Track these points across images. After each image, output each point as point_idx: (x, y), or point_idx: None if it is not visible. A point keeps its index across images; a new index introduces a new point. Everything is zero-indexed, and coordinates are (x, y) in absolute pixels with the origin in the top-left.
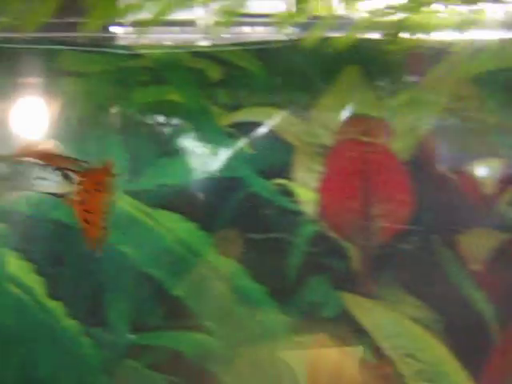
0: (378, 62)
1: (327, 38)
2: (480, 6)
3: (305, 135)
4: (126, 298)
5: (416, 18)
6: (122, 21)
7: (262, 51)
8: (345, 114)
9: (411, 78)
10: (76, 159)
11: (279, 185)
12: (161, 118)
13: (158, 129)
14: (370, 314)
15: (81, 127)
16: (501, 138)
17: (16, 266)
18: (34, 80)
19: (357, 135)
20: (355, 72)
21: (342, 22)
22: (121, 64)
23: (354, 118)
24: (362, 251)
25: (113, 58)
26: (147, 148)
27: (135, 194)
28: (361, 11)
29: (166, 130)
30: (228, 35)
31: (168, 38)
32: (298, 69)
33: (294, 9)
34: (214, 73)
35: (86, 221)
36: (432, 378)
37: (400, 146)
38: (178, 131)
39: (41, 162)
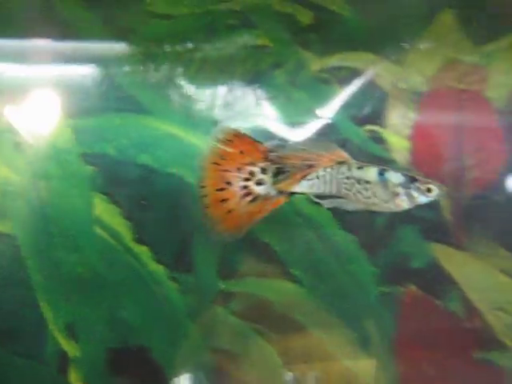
0: (475, 6)
1: None
2: None
3: (399, 81)
4: (214, 244)
5: None
6: None
7: None
8: (440, 59)
9: (510, 23)
10: None
11: (371, 131)
12: (250, 63)
13: (247, 75)
14: (461, 265)
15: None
16: None
17: (103, 209)
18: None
19: (452, 82)
20: (451, 16)
21: None
22: (210, 7)
23: (450, 64)
24: (453, 202)
25: (202, 0)
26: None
27: None
28: None
29: (256, 76)
30: None
31: None
32: (391, 13)
33: None
34: (305, 17)
35: None
36: None
37: (495, 93)
38: (269, 77)
39: None
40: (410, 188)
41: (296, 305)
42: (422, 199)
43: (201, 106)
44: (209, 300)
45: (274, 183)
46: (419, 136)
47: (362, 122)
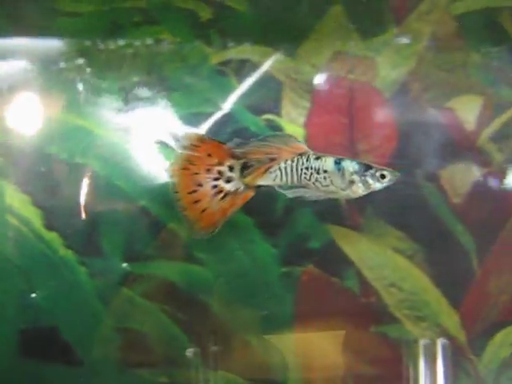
0: (362, 1)
1: None
2: None
3: (292, 72)
4: (120, 229)
5: None
6: None
7: None
8: (330, 51)
9: (395, 17)
10: None
11: (268, 120)
12: (154, 58)
13: (152, 67)
14: (356, 245)
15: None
16: (482, 75)
17: (14, 198)
18: (31, 21)
19: (342, 73)
20: (341, 10)
21: None
22: (115, 5)
23: (339, 56)
24: None
25: None
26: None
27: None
28: None
29: (160, 69)
30: None
31: None
32: (284, 7)
33: None
34: (205, 13)
35: None
36: (414, 307)
37: (384, 84)
38: (171, 70)
39: None
40: (365, 175)
41: (200, 286)
42: (377, 185)
43: (107, 99)
44: (117, 282)
45: (242, 178)
46: (313, 124)
47: (259, 111)
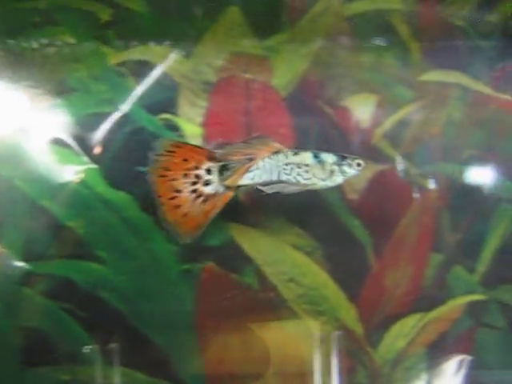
0: (258, 2)
1: None
2: None
3: (189, 72)
4: (19, 229)
5: None
6: None
7: None
8: (227, 52)
9: (290, 18)
10: None
11: (165, 120)
12: (54, 58)
13: (51, 68)
14: (255, 242)
15: None
16: (376, 75)
17: None
18: None
19: (239, 72)
20: (237, 11)
21: None
22: (16, 5)
23: (236, 56)
24: None
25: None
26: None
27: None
28: None
29: (58, 70)
30: None
31: None
32: (181, 9)
33: None
34: (104, 14)
35: None
36: (313, 301)
37: (280, 82)
38: (70, 70)
39: None
40: (343, 165)
41: (101, 284)
42: (353, 173)
43: (5, 99)
44: (17, 282)
45: (221, 181)
46: (210, 123)
47: (156, 111)
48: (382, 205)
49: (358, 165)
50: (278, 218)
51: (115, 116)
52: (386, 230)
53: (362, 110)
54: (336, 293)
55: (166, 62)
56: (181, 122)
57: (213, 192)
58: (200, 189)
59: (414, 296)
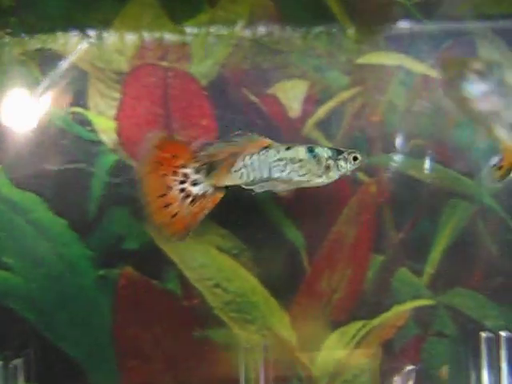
0: None
1: None
2: None
3: (99, 61)
4: None
5: None
6: None
7: None
8: (140, 38)
9: None
10: None
11: (75, 113)
12: None
13: None
14: (176, 245)
15: None
16: (305, 60)
17: None
18: None
19: (154, 60)
20: None
21: None
22: None
23: (151, 42)
24: None
25: None
26: None
27: None
28: None
29: None
30: None
31: None
32: None
33: None
34: (5, 0)
35: None
36: (241, 309)
37: (200, 70)
38: None
39: None
40: (339, 159)
41: (8, 293)
42: (349, 167)
43: None
44: None
45: (208, 180)
46: (124, 116)
47: (64, 104)
48: (315, 202)
49: (355, 159)
50: None
51: (19, 109)
52: (320, 229)
53: (291, 98)
54: (266, 299)
55: (73, 51)
56: (91, 115)
57: (201, 192)
58: (188, 188)
59: (354, 302)
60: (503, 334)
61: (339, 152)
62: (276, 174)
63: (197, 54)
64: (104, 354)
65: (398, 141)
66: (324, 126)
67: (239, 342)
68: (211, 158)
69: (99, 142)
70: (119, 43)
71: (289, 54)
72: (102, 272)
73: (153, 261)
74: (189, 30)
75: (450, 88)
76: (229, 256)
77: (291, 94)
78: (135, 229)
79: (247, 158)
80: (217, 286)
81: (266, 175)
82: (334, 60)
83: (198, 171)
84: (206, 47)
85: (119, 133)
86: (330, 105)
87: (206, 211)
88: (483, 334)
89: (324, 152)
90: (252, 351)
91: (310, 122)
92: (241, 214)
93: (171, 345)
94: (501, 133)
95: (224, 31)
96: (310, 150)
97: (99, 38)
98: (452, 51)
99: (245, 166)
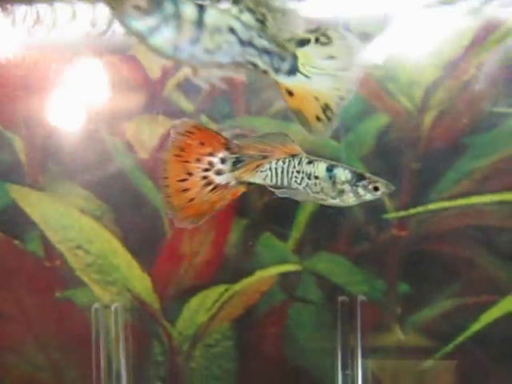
0: None
1: None
2: None
3: None
4: None
5: None
6: None
7: None
8: None
9: None
10: None
11: None
12: None
13: None
14: (38, 205)
15: None
16: None
17: None
18: None
19: None
20: None
21: None
22: None
23: None
24: (26, 142)
25: None
26: None
27: None
28: None
29: None
30: None
31: None
32: None
33: None
34: None
35: None
36: (103, 270)
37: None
38: None
39: None
40: (357, 186)
41: None
42: (369, 197)
43: None
44: None
45: (233, 172)
46: None
47: None
48: None
49: (375, 189)
50: (63, 179)
51: None
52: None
53: (151, 59)
54: (128, 261)
55: None
56: None
57: (223, 183)
58: (211, 177)
59: (217, 265)
60: (360, 298)
61: (361, 178)
62: (294, 185)
63: None
64: None
65: (265, 102)
66: (185, 87)
67: (100, 303)
68: (242, 150)
69: None
70: None
71: None
72: None
73: (15, 221)
74: None
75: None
76: (91, 218)
77: (151, 55)
78: None
79: (274, 162)
80: (79, 247)
81: (285, 184)
82: None
83: (223, 162)
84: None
85: None
86: None
87: (224, 202)
88: (341, 298)
89: (343, 174)
90: (112, 313)
91: (171, 83)
92: (102, 176)
93: (33, 306)
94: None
95: None
96: (329, 169)
97: None
98: None
99: (270, 170)
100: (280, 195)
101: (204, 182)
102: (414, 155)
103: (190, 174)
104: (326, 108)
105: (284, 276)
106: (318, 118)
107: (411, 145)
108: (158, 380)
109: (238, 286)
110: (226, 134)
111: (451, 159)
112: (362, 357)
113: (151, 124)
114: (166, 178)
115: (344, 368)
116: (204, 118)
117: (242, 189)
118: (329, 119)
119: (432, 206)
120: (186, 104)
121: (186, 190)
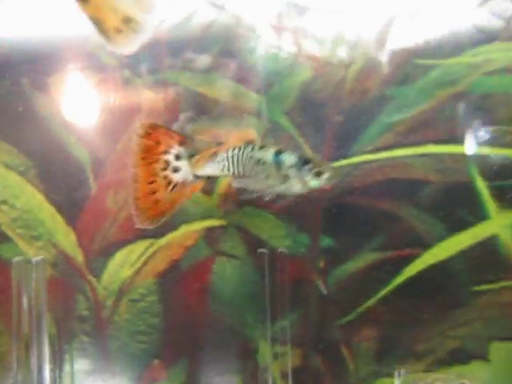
0: None
1: None
2: None
3: None
4: None
5: None
6: None
7: None
8: None
9: None
10: None
11: None
12: None
13: None
14: None
15: None
16: None
17: None
18: None
19: None
20: None
21: None
22: None
23: None
24: None
25: None
26: None
27: None
28: None
29: None
30: None
31: None
32: None
33: None
34: None
35: None
36: (28, 225)
37: None
38: None
39: None
40: (301, 170)
41: None
42: (314, 183)
43: None
44: None
45: (189, 167)
46: None
47: None
48: (102, 118)
49: (318, 174)
50: None
51: None
52: (105, 147)
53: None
54: (53, 216)
55: None
56: None
57: (181, 180)
58: (170, 176)
59: None
60: (280, 250)
61: (305, 162)
62: (247, 173)
63: None
64: None
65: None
66: None
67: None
68: (196, 142)
69: None
70: None
71: None
72: None
73: None
74: None
75: None
76: (15, 173)
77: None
78: None
79: (230, 150)
80: (4, 202)
81: (241, 171)
82: None
83: (178, 158)
84: None
85: None
86: None
87: (184, 199)
88: (260, 251)
89: (288, 159)
90: (36, 268)
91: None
92: (26, 131)
93: None
94: None
95: None
96: (277, 154)
97: None
98: None
99: (227, 159)
100: (235, 185)
101: (165, 181)
102: (337, 108)
103: (156, 176)
104: (128, 20)
105: (209, 230)
106: (119, 30)
107: (334, 98)
108: (82, 334)
109: (163, 241)
110: (180, 116)
111: (374, 112)
112: (284, 309)
113: (75, 79)
114: (137, 181)
115: (271, 321)
116: (127, 73)
117: (201, 184)
118: (134, 31)
119: (355, 159)
120: (108, 59)
121: (153, 192)
